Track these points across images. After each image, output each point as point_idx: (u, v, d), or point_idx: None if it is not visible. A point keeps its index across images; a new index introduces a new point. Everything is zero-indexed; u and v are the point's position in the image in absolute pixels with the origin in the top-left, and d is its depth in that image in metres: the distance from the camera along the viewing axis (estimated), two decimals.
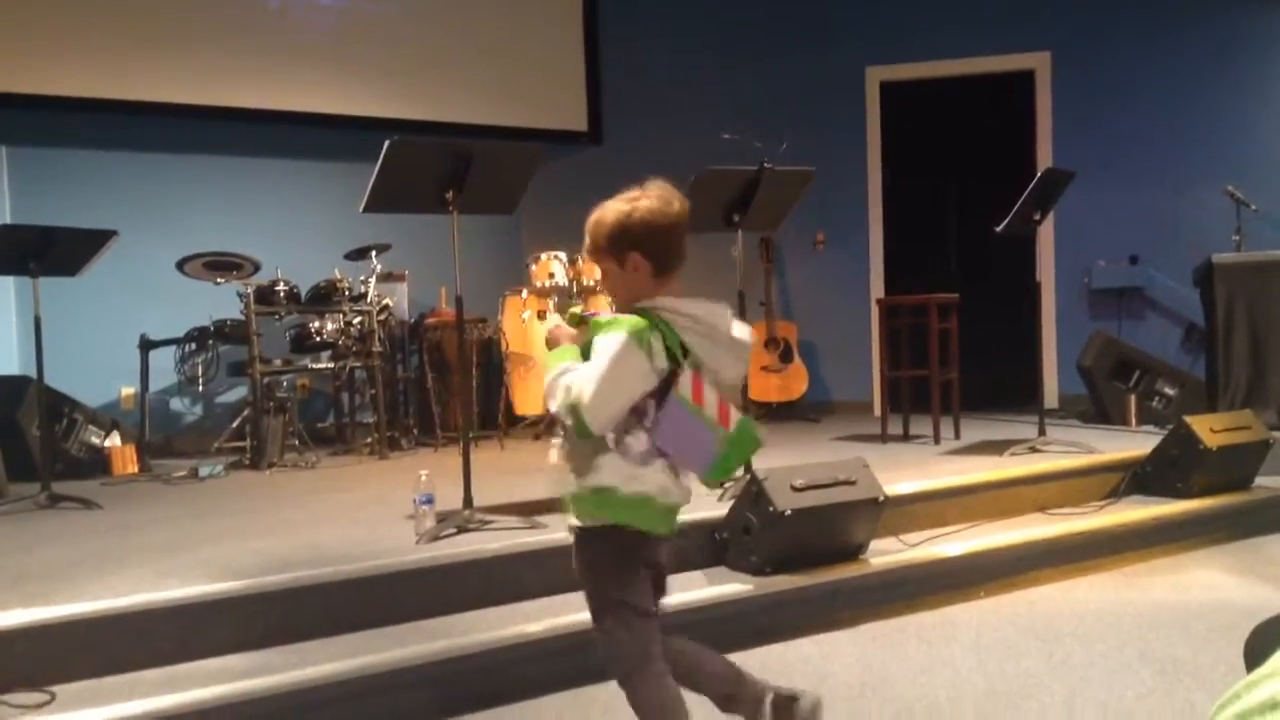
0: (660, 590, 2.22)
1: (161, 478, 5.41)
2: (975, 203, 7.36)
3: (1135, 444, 5.24)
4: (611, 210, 2.08)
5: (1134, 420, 6.37)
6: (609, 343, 1.96)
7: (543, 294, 6.59)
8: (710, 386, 2.05)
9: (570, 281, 6.58)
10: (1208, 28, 7.28)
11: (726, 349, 2.06)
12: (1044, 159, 7.42)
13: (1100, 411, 6.61)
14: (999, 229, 5.16)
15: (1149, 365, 6.62)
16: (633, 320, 1.99)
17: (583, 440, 2.01)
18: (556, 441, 2.13)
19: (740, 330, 2.09)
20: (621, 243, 2.06)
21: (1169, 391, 6.50)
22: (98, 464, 5.63)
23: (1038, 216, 5.29)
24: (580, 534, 2.10)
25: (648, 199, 2.07)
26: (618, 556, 2.09)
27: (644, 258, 2.05)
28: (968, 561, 3.96)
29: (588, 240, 2.12)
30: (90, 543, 3.73)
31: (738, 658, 3.17)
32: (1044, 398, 5.83)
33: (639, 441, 2.02)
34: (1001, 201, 5.20)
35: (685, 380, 2.02)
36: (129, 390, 6.49)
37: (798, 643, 3.36)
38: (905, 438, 5.92)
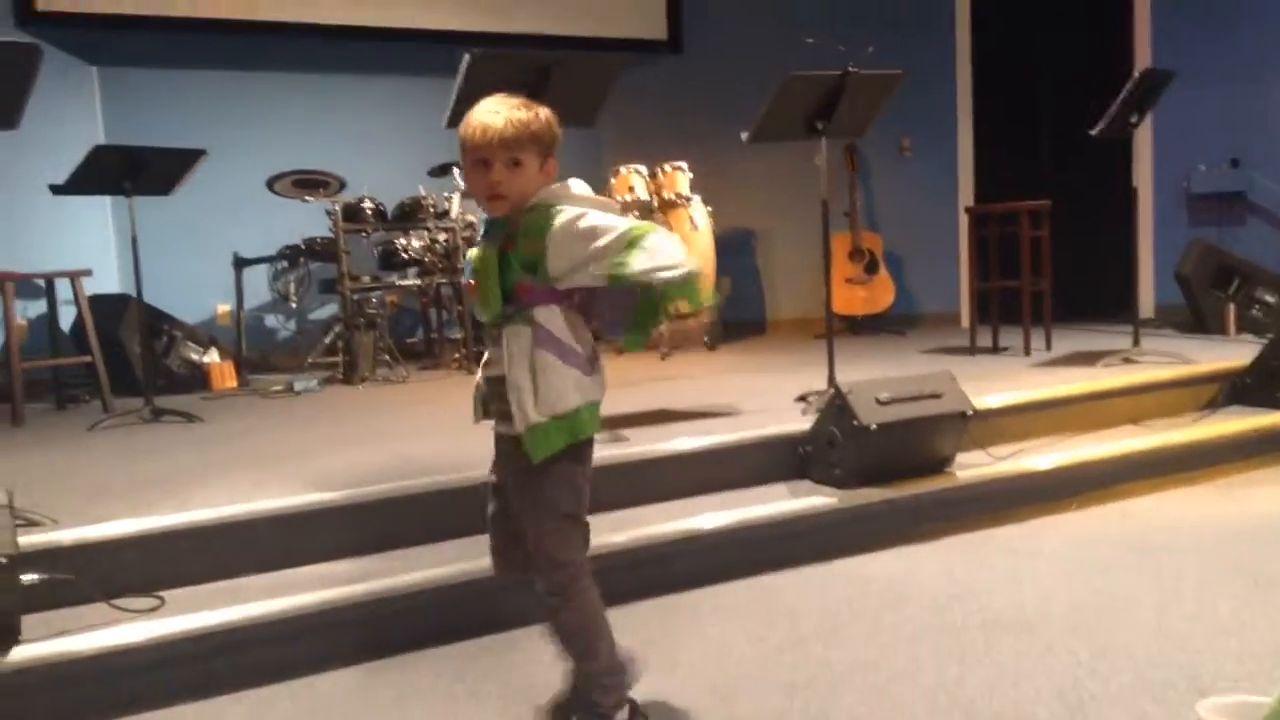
0: None
1: (259, 392, 5.57)
2: (1069, 105, 7.09)
3: (1234, 354, 5.07)
4: (546, 113, 2.04)
5: (1233, 329, 6.17)
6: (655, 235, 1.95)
7: (623, 209, 6.55)
8: None
9: (650, 196, 6.54)
10: None
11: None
12: (1142, 58, 7.12)
13: (1198, 321, 6.41)
14: (1094, 132, 4.99)
15: (1249, 272, 6.38)
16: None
17: (527, 345, 1.96)
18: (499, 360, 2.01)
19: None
20: (552, 147, 2.04)
21: (1269, 299, 6.28)
22: (197, 379, 5.81)
23: (1135, 119, 5.09)
24: (544, 461, 2.00)
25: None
26: (576, 471, 2.05)
27: (555, 165, 2.06)
28: (1057, 475, 3.90)
29: (525, 132, 1.98)
30: (193, 454, 3.87)
31: (820, 570, 3.22)
32: (1139, 308, 5.66)
33: (586, 342, 2.02)
34: (1097, 104, 5.01)
35: None
36: (225, 307, 6.66)
37: (880, 555, 3.36)
38: (994, 350, 5.82)
